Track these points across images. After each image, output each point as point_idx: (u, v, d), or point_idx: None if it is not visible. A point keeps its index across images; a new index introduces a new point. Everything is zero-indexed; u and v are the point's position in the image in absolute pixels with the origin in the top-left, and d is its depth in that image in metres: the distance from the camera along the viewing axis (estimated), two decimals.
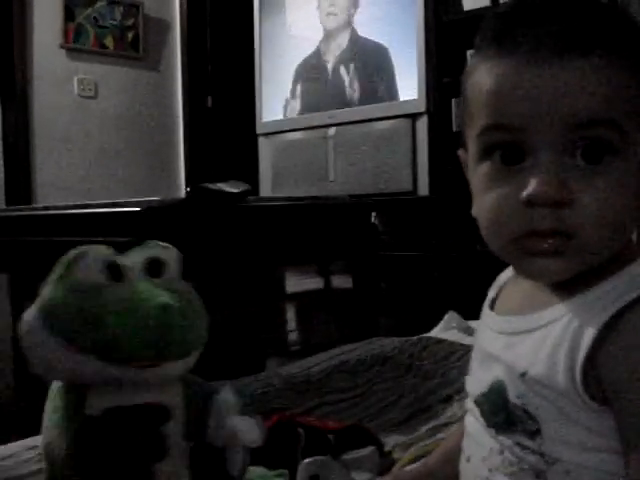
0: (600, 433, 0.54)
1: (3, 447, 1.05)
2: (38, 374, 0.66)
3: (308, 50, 3.67)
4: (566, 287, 0.57)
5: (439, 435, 1.07)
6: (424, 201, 2.99)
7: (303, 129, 3.60)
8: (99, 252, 0.66)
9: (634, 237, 0.60)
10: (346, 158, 3.36)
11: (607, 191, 0.53)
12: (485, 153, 0.57)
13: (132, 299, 0.64)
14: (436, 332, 1.87)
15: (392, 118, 3.19)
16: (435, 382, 1.36)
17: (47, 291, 0.65)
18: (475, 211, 0.60)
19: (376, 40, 3.33)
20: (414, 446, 1.05)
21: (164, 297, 0.65)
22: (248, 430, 0.69)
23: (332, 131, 3.43)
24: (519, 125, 0.54)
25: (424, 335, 1.81)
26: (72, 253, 0.66)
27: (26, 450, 1.01)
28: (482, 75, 0.56)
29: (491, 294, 0.69)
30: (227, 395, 0.71)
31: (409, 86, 3.13)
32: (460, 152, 0.63)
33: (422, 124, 3.07)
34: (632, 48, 0.55)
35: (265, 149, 3.85)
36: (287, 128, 3.70)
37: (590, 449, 0.54)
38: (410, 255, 2.86)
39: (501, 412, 0.58)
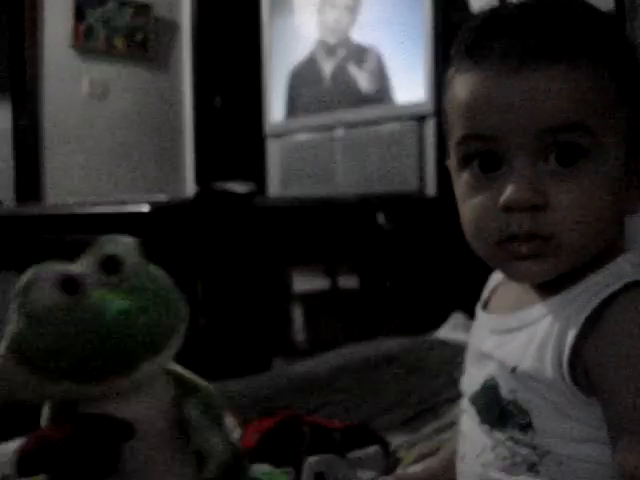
0: (590, 424, 0.55)
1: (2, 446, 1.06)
2: (16, 401, 0.66)
3: (315, 51, 3.68)
4: (552, 285, 0.59)
5: (444, 435, 1.08)
6: (431, 202, 2.99)
7: (311, 130, 3.61)
8: (50, 271, 0.65)
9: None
10: (354, 159, 3.37)
11: (581, 193, 0.55)
12: (464, 162, 0.59)
13: (88, 315, 0.63)
14: (442, 332, 1.87)
15: (400, 120, 3.19)
16: (440, 382, 1.36)
17: (11, 322, 0.64)
18: (461, 219, 0.61)
19: (382, 42, 3.33)
20: (418, 445, 1.06)
21: (119, 303, 0.64)
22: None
23: (340, 132, 3.44)
24: (493, 134, 0.56)
25: (430, 335, 1.82)
26: (24, 279, 0.64)
27: None
28: (457, 87, 0.59)
29: (484, 296, 0.71)
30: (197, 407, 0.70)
31: (417, 88, 3.14)
32: (448, 162, 0.65)
33: (429, 126, 3.07)
34: (600, 53, 0.56)
35: (273, 150, 3.86)
36: (295, 129, 3.71)
37: (581, 440, 0.56)
38: (417, 255, 2.86)
39: (494, 408, 0.60)
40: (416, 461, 0.98)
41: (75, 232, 1.58)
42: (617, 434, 0.53)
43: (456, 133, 0.59)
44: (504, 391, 0.59)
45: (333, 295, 3.23)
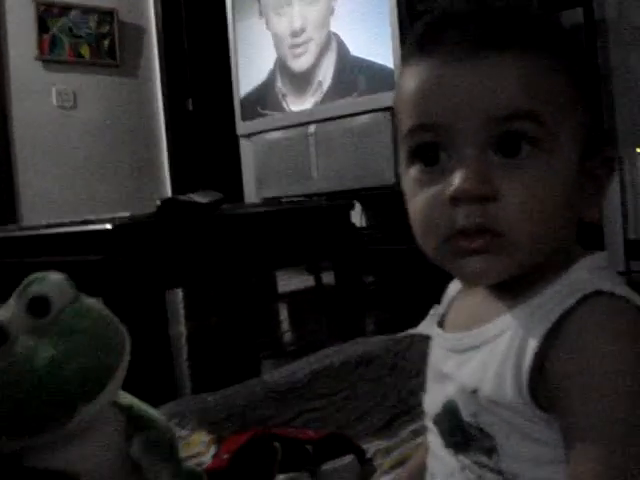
0: (556, 446, 0.53)
1: None
2: None
3: (282, 49, 3.64)
4: (508, 298, 0.56)
5: (420, 438, 1.06)
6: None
7: (283, 128, 3.58)
8: None
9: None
10: (328, 155, 3.35)
11: (532, 185, 0.52)
12: (412, 156, 0.57)
13: (16, 367, 0.60)
14: (422, 327, 1.86)
15: (371, 112, 3.17)
16: (419, 381, 1.35)
17: None
18: (409, 217, 0.59)
19: (350, 34, 3.31)
20: (395, 451, 1.04)
21: (46, 350, 0.61)
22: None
23: (312, 128, 3.41)
24: (440, 123, 0.54)
25: (410, 332, 1.80)
26: None
27: None
28: (406, 81, 0.57)
29: (441, 309, 0.68)
30: (152, 437, 0.68)
31: (386, 77, 3.11)
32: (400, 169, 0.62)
33: None
34: (549, 45, 0.55)
35: (247, 150, 3.83)
36: (267, 128, 3.68)
37: (547, 463, 0.53)
38: (396, 248, 2.85)
39: (457, 432, 0.57)
40: (391, 469, 0.96)
41: (41, 254, 1.56)
42: (570, 444, 0.51)
43: (404, 127, 0.57)
44: (465, 414, 0.57)
45: (312, 298, 3.22)
